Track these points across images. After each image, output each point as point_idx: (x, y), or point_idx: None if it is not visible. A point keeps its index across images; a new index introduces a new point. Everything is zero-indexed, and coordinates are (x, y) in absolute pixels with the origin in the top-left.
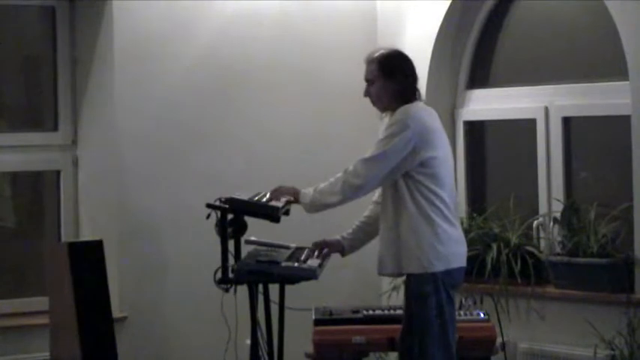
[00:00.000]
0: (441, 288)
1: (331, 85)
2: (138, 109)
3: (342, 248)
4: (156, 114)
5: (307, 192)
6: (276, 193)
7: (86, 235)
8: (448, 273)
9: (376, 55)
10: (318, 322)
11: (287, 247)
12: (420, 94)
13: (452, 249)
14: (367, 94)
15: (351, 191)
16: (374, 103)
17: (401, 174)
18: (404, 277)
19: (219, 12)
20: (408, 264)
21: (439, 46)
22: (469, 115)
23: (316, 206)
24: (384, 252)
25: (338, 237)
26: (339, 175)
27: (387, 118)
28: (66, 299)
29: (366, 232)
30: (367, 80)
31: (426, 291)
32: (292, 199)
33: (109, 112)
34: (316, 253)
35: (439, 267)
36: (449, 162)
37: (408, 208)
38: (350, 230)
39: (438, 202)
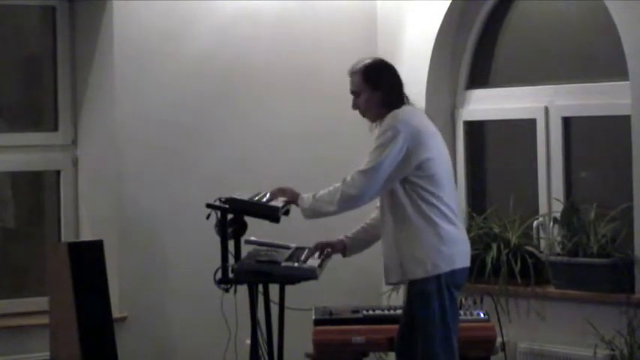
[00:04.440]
0: (444, 288)
1: (331, 85)
2: (138, 109)
3: (344, 248)
4: (156, 114)
5: (306, 198)
6: (275, 195)
7: (86, 235)
8: (452, 273)
9: (359, 66)
10: (318, 322)
11: (287, 247)
12: (408, 98)
13: (455, 249)
14: (355, 106)
15: (348, 202)
16: (363, 114)
17: (399, 180)
18: None
19: (219, 12)
20: (412, 270)
21: (439, 46)
22: (469, 115)
23: (314, 213)
24: (388, 261)
25: (341, 237)
26: (338, 184)
27: (377, 129)
28: (66, 299)
29: (369, 235)
30: (353, 92)
31: (430, 291)
32: (290, 201)
33: (109, 112)
34: (317, 254)
35: (443, 268)
36: (446, 162)
37: (408, 212)
38: (354, 231)
39: (437, 203)
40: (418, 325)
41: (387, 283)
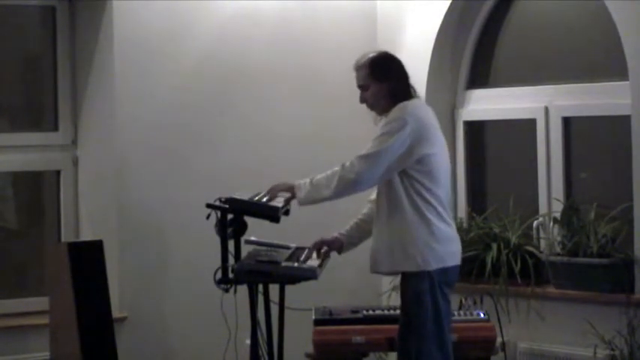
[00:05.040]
0: (437, 286)
1: (331, 85)
2: (138, 109)
3: (340, 246)
4: (156, 114)
5: (303, 184)
6: (273, 192)
7: (86, 235)
8: (443, 271)
9: (364, 60)
10: (318, 322)
11: (287, 247)
12: (415, 91)
13: (447, 248)
14: (363, 100)
15: (345, 187)
16: (372, 107)
17: (398, 171)
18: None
19: (219, 12)
20: (402, 262)
21: (439, 46)
22: (469, 115)
23: (311, 199)
24: (378, 249)
25: (336, 234)
26: (336, 169)
27: (382, 122)
28: (66, 299)
29: (363, 230)
30: (360, 87)
31: (422, 289)
32: (290, 195)
33: (109, 112)
34: (315, 254)
35: (434, 265)
36: (445, 160)
37: (403, 205)
38: (347, 227)
39: (432, 200)
40: (412, 322)
41: (373, 272)
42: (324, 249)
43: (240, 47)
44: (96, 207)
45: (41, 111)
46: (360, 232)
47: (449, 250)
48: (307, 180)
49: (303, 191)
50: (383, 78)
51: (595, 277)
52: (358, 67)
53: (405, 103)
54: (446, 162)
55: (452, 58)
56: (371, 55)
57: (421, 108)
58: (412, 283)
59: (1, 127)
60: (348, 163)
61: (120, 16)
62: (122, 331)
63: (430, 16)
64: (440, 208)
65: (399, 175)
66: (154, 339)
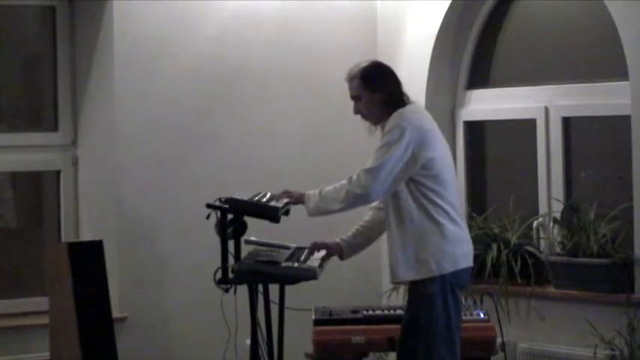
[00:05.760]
0: (448, 288)
1: (331, 85)
2: (137, 109)
3: (340, 251)
4: (155, 114)
5: (312, 195)
6: (281, 196)
7: (86, 235)
8: (456, 274)
9: (356, 70)
10: (318, 322)
11: (287, 247)
12: (408, 97)
13: (459, 249)
14: (357, 111)
15: (354, 201)
16: (366, 118)
17: (405, 180)
18: None
19: (219, 12)
20: (416, 270)
21: (439, 46)
22: (469, 115)
23: (319, 211)
24: (393, 260)
25: (337, 240)
26: (344, 182)
27: (377, 132)
28: (66, 299)
29: (365, 237)
30: (353, 97)
31: (433, 291)
32: (293, 199)
33: (109, 112)
34: (314, 254)
35: (448, 268)
36: (449, 161)
37: (413, 212)
38: (349, 234)
39: (442, 203)
40: (421, 324)
41: (392, 282)
42: (322, 252)
43: (240, 47)
44: (96, 207)
45: (41, 111)
46: (363, 239)
47: (461, 252)
48: (316, 191)
49: (312, 202)
50: (375, 88)
51: (595, 277)
52: (350, 78)
53: (401, 110)
54: (450, 164)
55: (452, 58)
56: (362, 65)
57: (417, 113)
58: (423, 285)
59: (1, 127)
60: (355, 177)
61: (120, 16)
62: (122, 331)
63: (430, 16)
64: (451, 211)
65: (406, 183)
66: (153, 339)
